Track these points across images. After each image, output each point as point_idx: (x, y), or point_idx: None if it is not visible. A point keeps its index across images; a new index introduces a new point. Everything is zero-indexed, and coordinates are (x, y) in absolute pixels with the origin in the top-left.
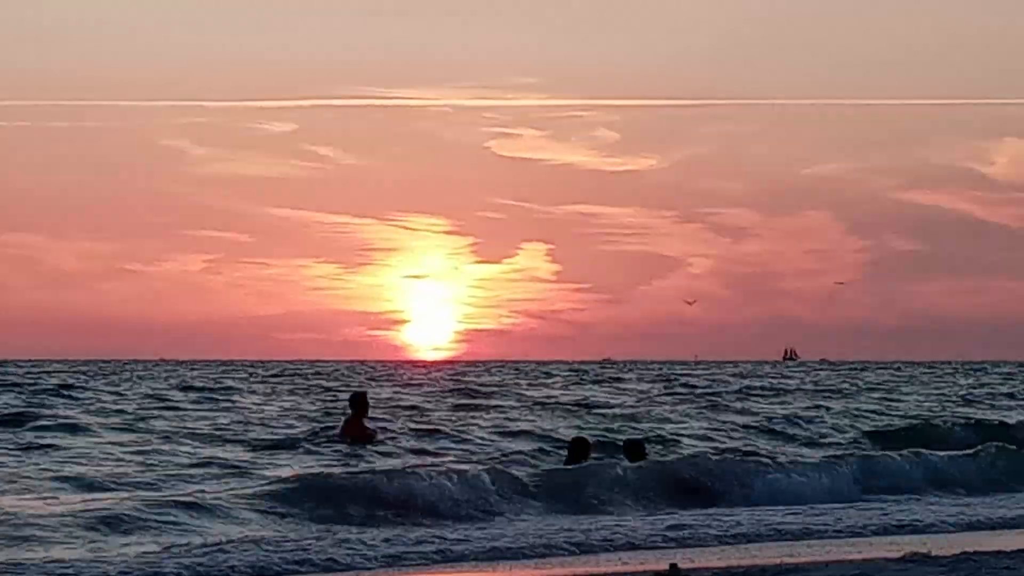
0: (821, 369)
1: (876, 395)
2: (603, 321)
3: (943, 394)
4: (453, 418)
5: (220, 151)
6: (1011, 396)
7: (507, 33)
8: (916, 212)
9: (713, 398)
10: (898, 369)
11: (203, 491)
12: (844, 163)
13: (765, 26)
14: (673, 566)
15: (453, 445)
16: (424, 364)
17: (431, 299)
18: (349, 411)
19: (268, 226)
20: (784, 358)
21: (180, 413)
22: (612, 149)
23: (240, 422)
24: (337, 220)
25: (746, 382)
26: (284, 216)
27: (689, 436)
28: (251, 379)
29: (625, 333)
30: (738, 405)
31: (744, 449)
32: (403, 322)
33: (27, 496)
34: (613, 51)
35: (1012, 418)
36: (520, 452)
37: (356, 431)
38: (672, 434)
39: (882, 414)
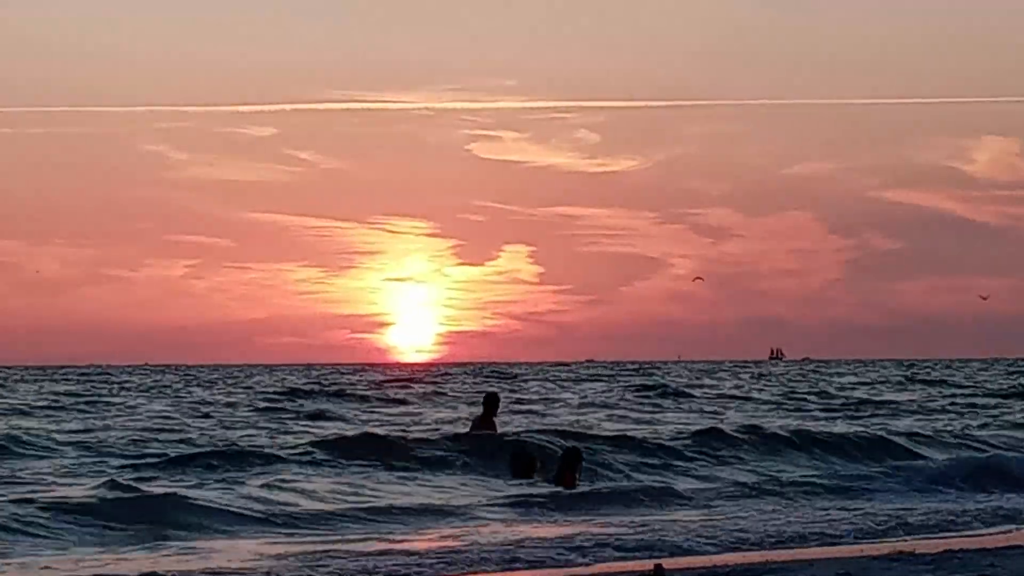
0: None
1: None
2: (586, 322)
3: None
4: None
5: (201, 156)
6: None
7: (487, 35)
8: (897, 211)
9: None
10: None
11: None
12: (825, 163)
13: (745, 27)
14: (658, 567)
15: None
16: (408, 367)
17: (414, 302)
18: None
19: (250, 230)
20: (771, 357)
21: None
22: (593, 150)
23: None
24: (319, 224)
25: None
26: (266, 220)
27: None
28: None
29: (608, 334)
30: None
31: None
32: (386, 325)
33: None
34: (593, 53)
35: None
36: None
37: (487, 428)
38: None
39: None
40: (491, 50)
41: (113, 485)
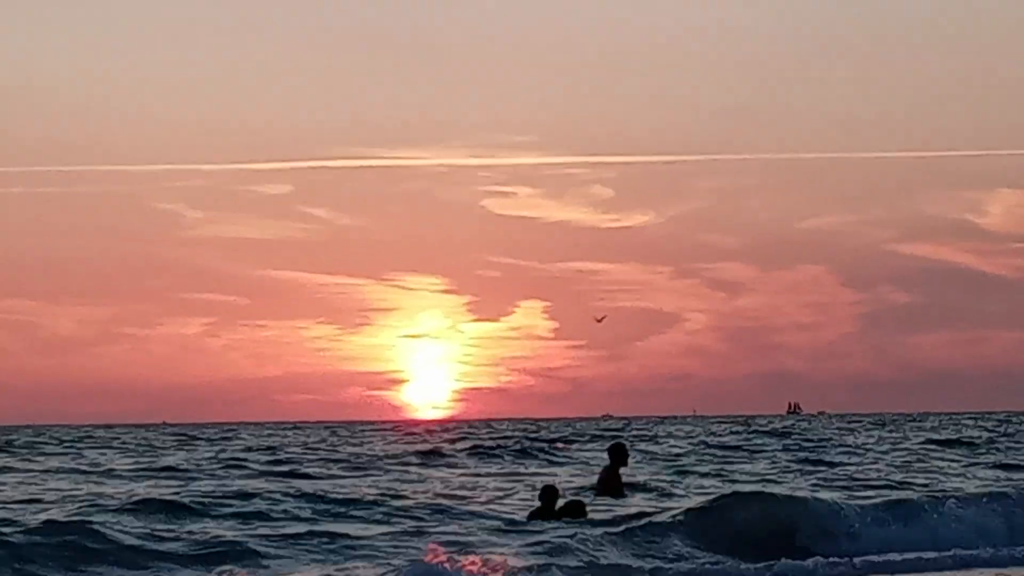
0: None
1: None
2: (601, 377)
3: None
4: None
5: (216, 214)
6: None
7: (500, 92)
8: (911, 264)
9: None
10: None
11: None
12: (838, 216)
13: (758, 81)
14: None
15: None
16: (426, 423)
17: (429, 358)
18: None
19: (265, 288)
20: (788, 411)
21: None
22: (607, 205)
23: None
24: (334, 281)
25: None
26: (281, 278)
27: None
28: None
29: (623, 389)
30: None
31: None
32: (402, 382)
33: None
34: (606, 108)
35: None
36: None
37: (613, 481)
38: None
39: None
40: (504, 107)
41: None
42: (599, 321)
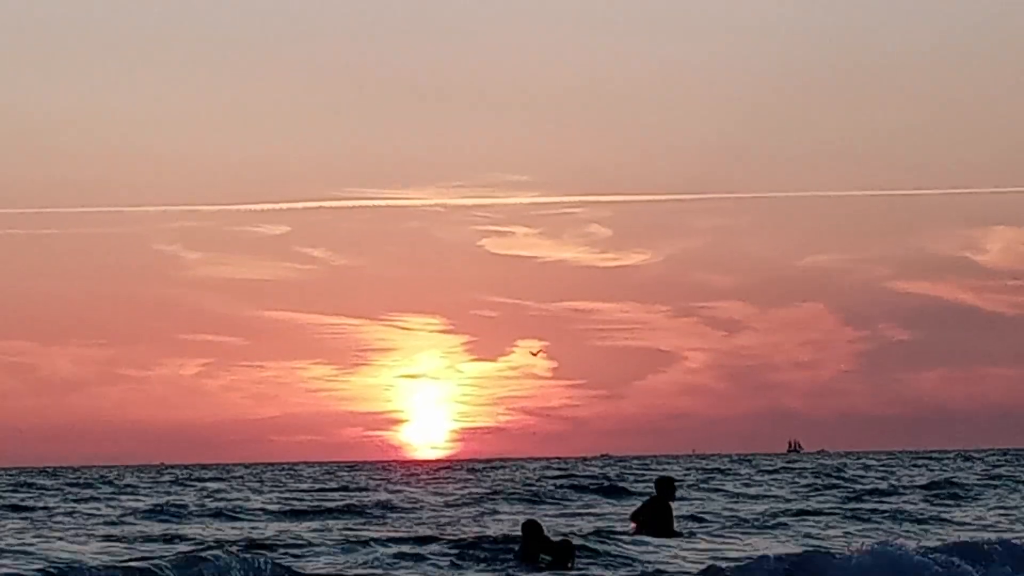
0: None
1: None
2: (600, 417)
3: None
4: None
5: (213, 255)
6: None
7: (497, 132)
8: (910, 301)
9: None
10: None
11: None
12: (837, 254)
13: (755, 119)
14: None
15: None
16: (425, 463)
17: (428, 398)
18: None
19: (262, 329)
20: (788, 450)
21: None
22: (605, 245)
23: None
24: (331, 321)
25: None
26: (278, 318)
27: None
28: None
29: (622, 428)
30: None
31: None
32: (400, 422)
33: None
34: (604, 147)
35: None
36: None
37: (661, 513)
38: None
39: None
40: (501, 146)
41: None
42: (535, 355)
